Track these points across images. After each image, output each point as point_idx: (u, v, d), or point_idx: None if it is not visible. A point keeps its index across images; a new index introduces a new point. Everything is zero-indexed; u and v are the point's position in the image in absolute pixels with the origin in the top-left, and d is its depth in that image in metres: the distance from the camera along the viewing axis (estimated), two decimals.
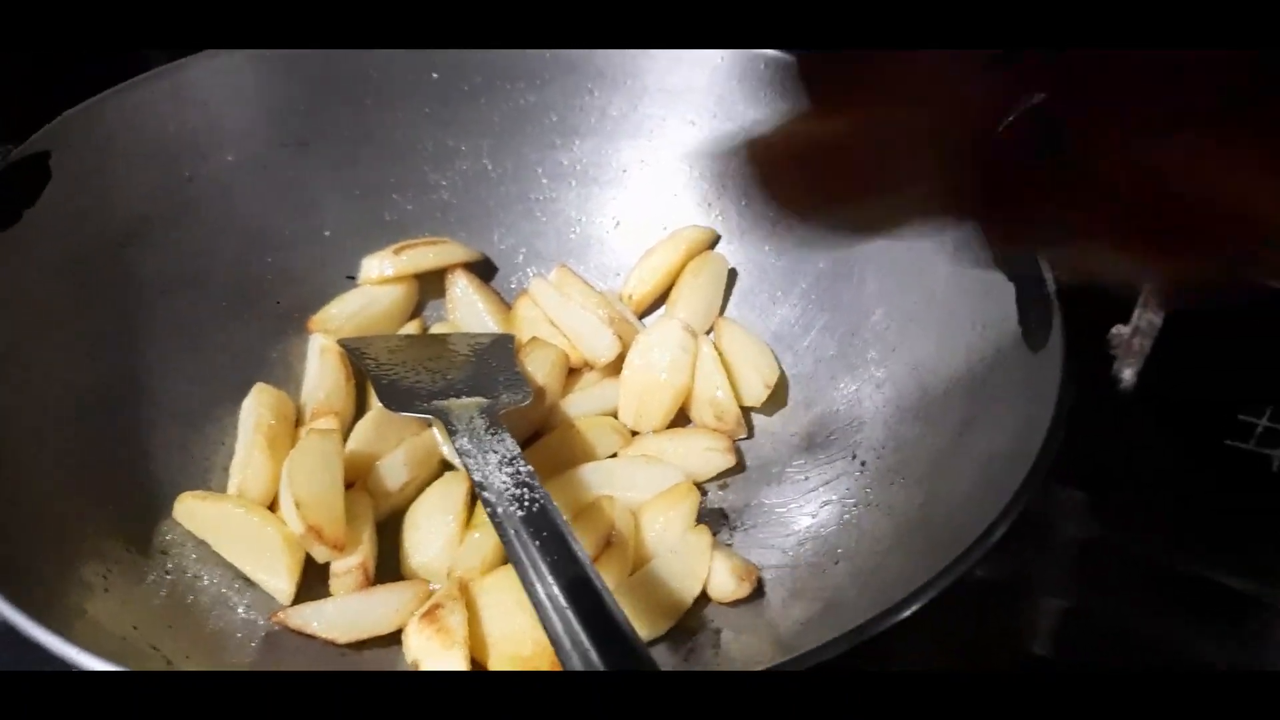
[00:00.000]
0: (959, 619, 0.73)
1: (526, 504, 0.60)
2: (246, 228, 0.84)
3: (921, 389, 0.74)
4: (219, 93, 0.83)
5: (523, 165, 0.92)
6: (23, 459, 0.65)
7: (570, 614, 0.52)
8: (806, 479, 0.77)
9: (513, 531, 0.59)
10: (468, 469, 0.65)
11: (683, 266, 0.88)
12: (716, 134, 0.88)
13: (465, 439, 0.68)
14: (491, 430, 0.68)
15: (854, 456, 0.75)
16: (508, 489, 0.62)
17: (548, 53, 0.89)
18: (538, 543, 0.57)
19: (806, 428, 0.80)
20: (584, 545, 0.59)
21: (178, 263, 0.81)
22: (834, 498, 0.74)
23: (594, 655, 0.51)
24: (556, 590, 0.54)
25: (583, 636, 0.51)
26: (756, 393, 0.81)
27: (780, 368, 0.83)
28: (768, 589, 0.70)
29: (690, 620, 0.69)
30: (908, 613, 0.54)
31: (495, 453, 0.66)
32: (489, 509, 0.61)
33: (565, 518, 0.60)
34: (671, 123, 0.90)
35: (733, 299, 0.88)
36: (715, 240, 0.89)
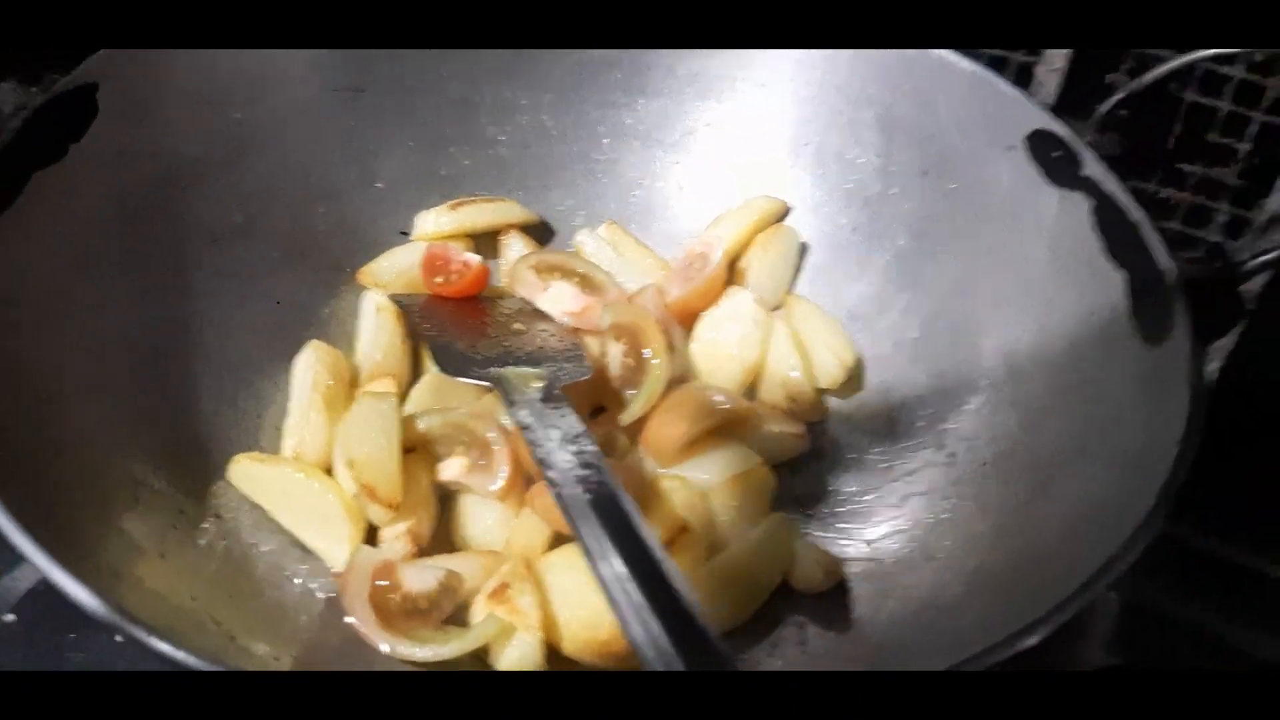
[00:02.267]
0: None
1: (594, 487, 0.57)
2: (297, 175, 0.80)
3: (1016, 379, 0.70)
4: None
5: (584, 123, 0.87)
6: (71, 408, 0.61)
7: (643, 601, 0.50)
8: (889, 468, 0.73)
9: (580, 518, 0.55)
10: (529, 444, 0.61)
11: (752, 238, 0.84)
12: (791, 98, 0.84)
13: (525, 411, 0.64)
14: (553, 404, 0.65)
15: (942, 447, 0.72)
16: (572, 469, 0.58)
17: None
18: (608, 530, 0.54)
19: (886, 413, 0.76)
20: (654, 531, 0.55)
21: (227, 209, 0.76)
22: (921, 490, 0.71)
23: (665, 642, 0.48)
24: (628, 575, 0.51)
25: (655, 623, 0.49)
26: (832, 374, 0.77)
27: (856, 349, 0.79)
28: (854, 583, 0.67)
29: (772, 612, 0.66)
30: (1036, 639, 0.50)
31: (557, 428, 0.62)
32: (554, 490, 0.57)
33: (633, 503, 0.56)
34: (743, 85, 0.86)
35: (804, 275, 0.84)
36: (786, 212, 0.85)
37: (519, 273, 0.80)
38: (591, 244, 0.85)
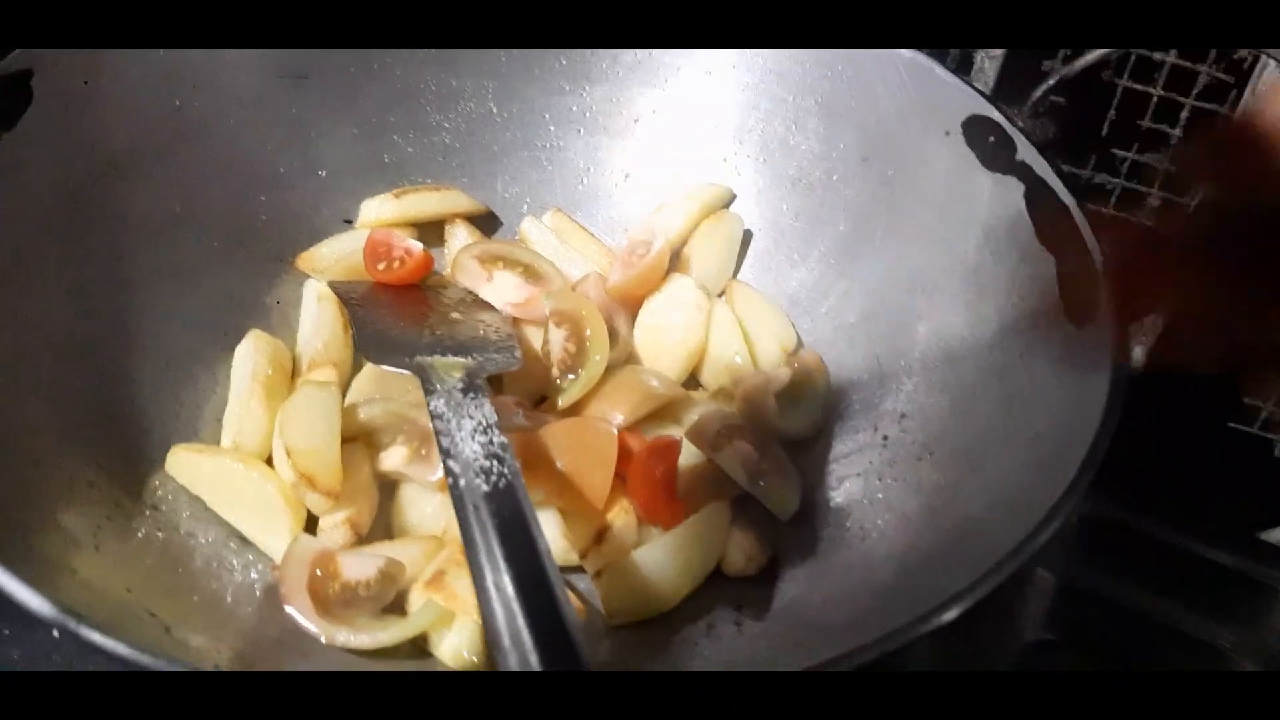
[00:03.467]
0: None
1: (494, 478, 0.56)
2: (239, 163, 0.79)
3: (950, 361, 0.71)
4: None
5: (529, 110, 0.88)
6: (4, 403, 0.61)
7: (517, 608, 0.49)
8: (826, 449, 0.74)
9: (471, 507, 0.54)
10: (437, 433, 0.60)
11: (695, 225, 0.84)
12: (735, 85, 0.85)
13: (440, 401, 0.62)
14: (471, 394, 0.63)
15: (876, 429, 0.73)
16: (476, 459, 0.57)
17: None
18: (497, 521, 0.53)
19: (828, 396, 0.77)
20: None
21: (167, 199, 0.76)
22: (856, 471, 0.72)
23: (533, 657, 0.47)
24: (507, 580, 0.50)
25: (525, 635, 0.48)
26: (773, 358, 0.78)
27: (797, 334, 0.80)
28: (790, 564, 0.68)
29: (709, 594, 0.67)
30: (955, 613, 0.51)
31: (471, 419, 0.61)
32: (450, 479, 0.56)
33: (532, 500, 0.56)
34: (687, 72, 0.86)
35: (748, 261, 0.85)
36: (731, 199, 0.86)
37: (462, 262, 0.81)
38: (536, 232, 0.85)
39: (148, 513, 0.65)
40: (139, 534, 0.63)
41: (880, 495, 0.70)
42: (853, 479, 0.72)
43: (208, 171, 0.78)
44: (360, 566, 0.63)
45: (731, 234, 0.84)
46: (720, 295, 0.83)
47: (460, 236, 0.84)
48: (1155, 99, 0.89)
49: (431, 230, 0.85)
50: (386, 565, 0.63)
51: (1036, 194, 0.69)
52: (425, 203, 0.84)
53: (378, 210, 0.83)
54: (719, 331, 0.79)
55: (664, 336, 0.79)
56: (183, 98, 0.77)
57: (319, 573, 0.62)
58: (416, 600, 0.63)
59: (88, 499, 0.62)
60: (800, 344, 0.80)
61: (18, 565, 0.50)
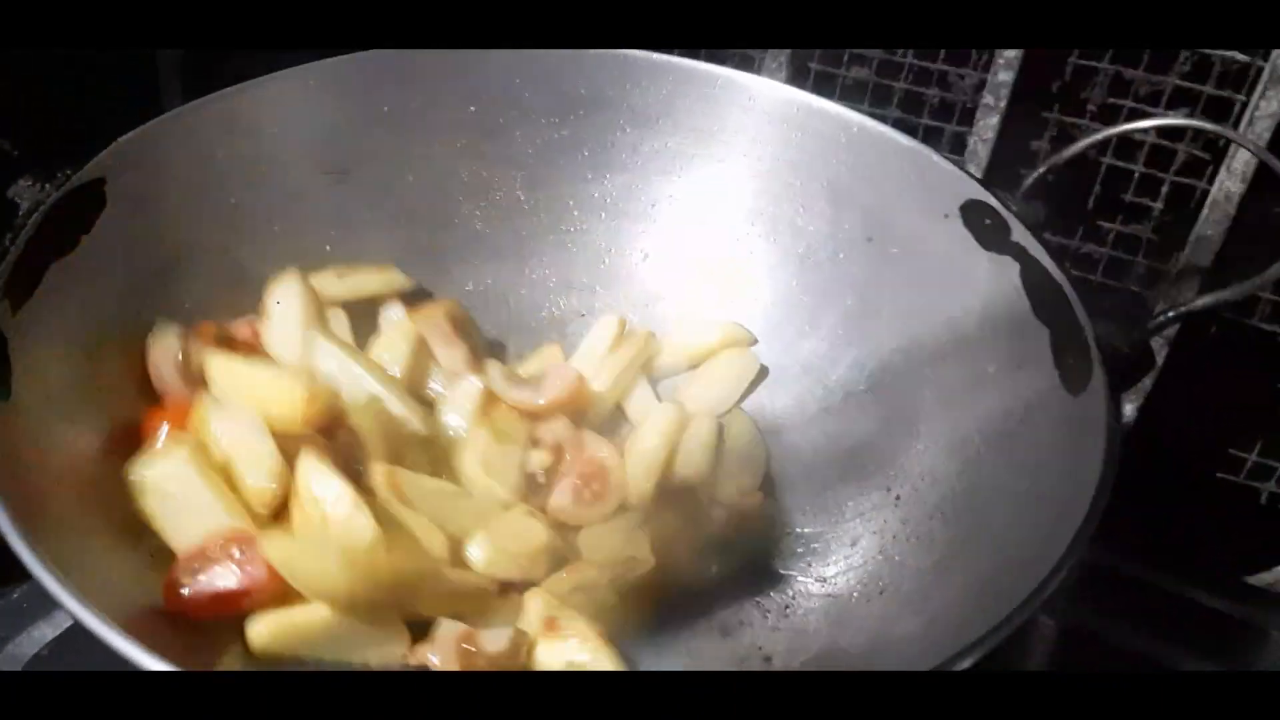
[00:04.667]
0: None
1: None
2: (289, 256, 0.85)
3: (954, 427, 0.77)
4: (268, 121, 0.84)
5: (555, 198, 0.94)
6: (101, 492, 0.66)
7: None
8: (842, 509, 0.80)
9: None
10: None
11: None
12: (746, 172, 0.91)
13: None
14: None
15: (889, 490, 0.79)
16: None
17: (582, 89, 0.92)
18: None
19: (840, 461, 0.83)
20: None
21: (222, 289, 0.81)
22: (873, 530, 0.77)
23: None
24: None
25: None
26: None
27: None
28: (814, 618, 0.73)
29: (739, 644, 0.72)
30: (970, 662, 0.55)
31: None
32: None
33: None
34: (701, 161, 0.93)
35: (761, 332, 0.91)
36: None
37: (431, 317, 0.84)
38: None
39: None
40: None
41: (896, 552, 0.75)
42: (869, 536, 0.77)
43: (258, 263, 0.83)
44: (496, 641, 0.66)
45: (743, 374, 0.89)
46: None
47: (396, 313, 0.86)
48: (1137, 175, 0.96)
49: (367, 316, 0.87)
50: (515, 635, 0.66)
51: (1031, 272, 0.75)
52: (367, 283, 0.86)
53: (323, 286, 0.84)
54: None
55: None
56: (238, 195, 0.83)
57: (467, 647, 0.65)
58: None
59: None
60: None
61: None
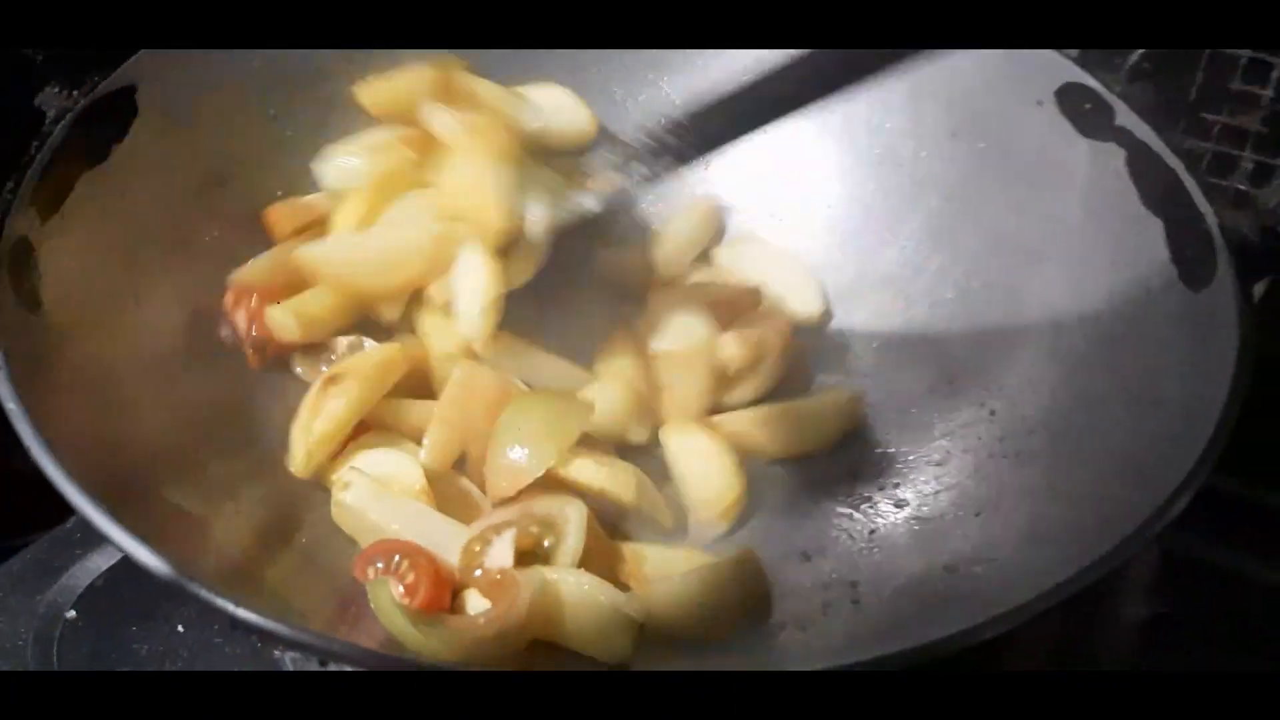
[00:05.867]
0: None
1: None
2: None
3: (1057, 333, 0.71)
4: None
5: (610, 102, 0.88)
6: (133, 405, 0.63)
7: None
8: (931, 426, 0.74)
9: None
10: None
11: None
12: None
13: None
14: None
15: (984, 404, 0.73)
16: None
17: None
18: None
19: (927, 375, 0.77)
20: None
21: (267, 204, 0.77)
22: (965, 447, 0.72)
23: None
24: None
25: None
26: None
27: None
28: (904, 544, 0.68)
29: (822, 572, 0.67)
30: (1083, 585, 0.51)
31: None
32: None
33: None
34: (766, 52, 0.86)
35: (836, 241, 0.85)
36: None
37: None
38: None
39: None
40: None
41: (992, 470, 0.69)
42: (960, 456, 0.72)
43: (304, 178, 0.79)
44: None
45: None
46: None
47: None
48: (1244, 60, 0.88)
49: None
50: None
51: (1139, 160, 0.69)
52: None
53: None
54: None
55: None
56: (277, 106, 0.79)
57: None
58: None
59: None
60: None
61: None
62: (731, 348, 0.74)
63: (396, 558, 0.61)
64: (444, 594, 0.61)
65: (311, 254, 0.71)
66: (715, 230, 0.86)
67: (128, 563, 0.71)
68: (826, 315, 0.82)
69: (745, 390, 0.76)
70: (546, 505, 0.64)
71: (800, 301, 0.82)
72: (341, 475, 0.66)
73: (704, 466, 0.70)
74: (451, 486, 0.68)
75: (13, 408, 0.53)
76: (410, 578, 0.60)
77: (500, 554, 0.61)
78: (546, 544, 0.63)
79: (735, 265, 0.84)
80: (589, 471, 0.65)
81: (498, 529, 0.63)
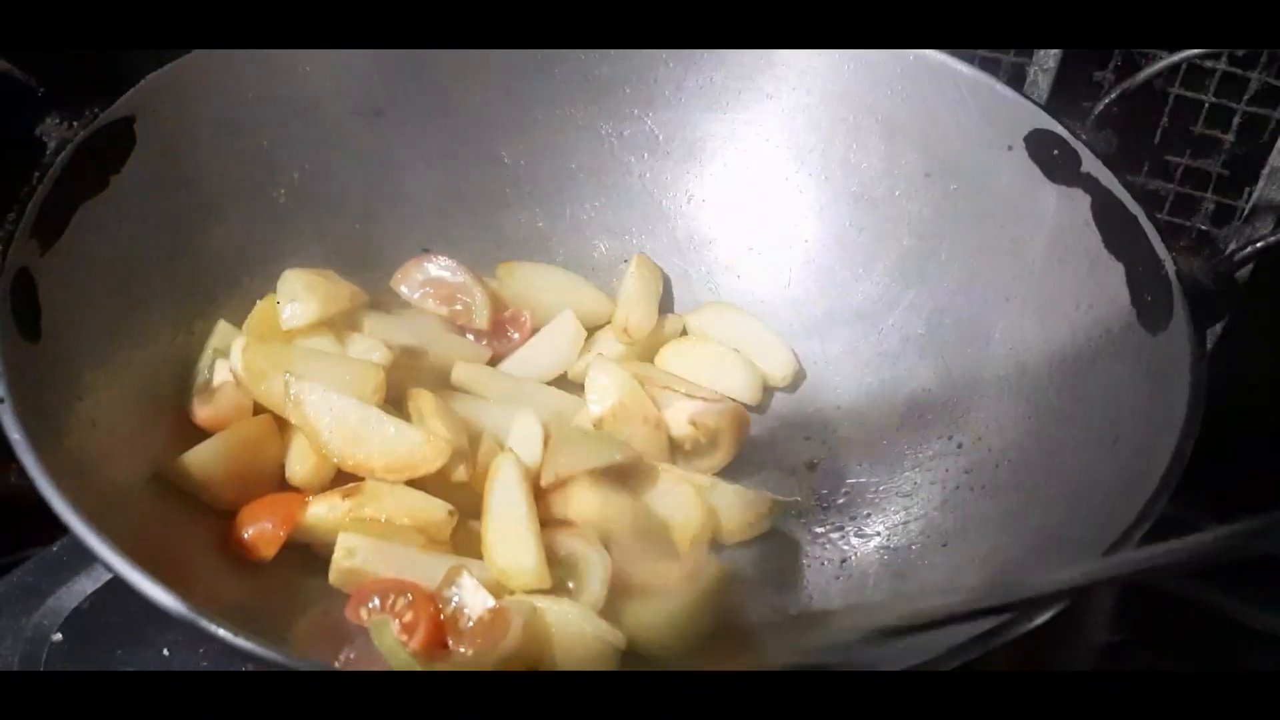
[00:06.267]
0: None
1: None
2: (325, 197, 0.82)
3: (1022, 370, 0.73)
4: (302, 60, 0.80)
5: (596, 138, 0.90)
6: (125, 435, 0.64)
7: None
8: (901, 459, 0.77)
9: None
10: None
11: None
12: (795, 106, 0.87)
13: None
14: None
15: (951, 438, 0.75)
16: None
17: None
18: None
19: (897, 409, 0.80)
20: None
21: (259, 234, 0.79)
22: (933, 480, 0.74)
23: None
24: None
25: None
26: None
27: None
28: (873, 572, 0.70)
29: (796, 601, 0.70)
30: (1045, 617, 0.53)
31: None
32: None
33: None
34: (748, 95, 0.88)
35: (811, 275, 0.87)
36: None
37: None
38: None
39: None
40: None
41: (958, 503, 0.72)
42: (928, 487, 0.74)
43: (296, 207, 0.81)
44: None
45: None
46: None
47: None
48: (1207, 105, 0.91)
49: None
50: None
51: (1103, 205, 0.71)
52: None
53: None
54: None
55: None
56: (269, 137, 0.80)
57: None
58: None
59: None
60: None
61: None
62: (684, 428, 0.76)
63: (392, 596, 0.62)
64: (441, 629, 0.62)
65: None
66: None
67: (114, 586, 0.74)
68: (799, 376, 0.85)
69: (703, 465, 0.77)
70: (570, 545, 0.66)
71: (774, 366, 0.84)
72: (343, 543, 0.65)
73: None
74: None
75: (17, 438, 0.53)
76: (408, 616, 0.61)
77: (476, 599, 0.62)
78: (570, 585, 0.65)
79: (710, 330, 0.86)
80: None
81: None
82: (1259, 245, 0.66)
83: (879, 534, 0.73)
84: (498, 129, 0.89)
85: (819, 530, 0.74)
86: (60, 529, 0.53)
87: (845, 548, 0.73)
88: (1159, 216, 0.94)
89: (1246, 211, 0.91)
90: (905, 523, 0.73)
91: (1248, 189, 0.91)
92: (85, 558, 0.74)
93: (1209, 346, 0.91)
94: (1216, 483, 0.85)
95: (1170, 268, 0.65)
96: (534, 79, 0.88)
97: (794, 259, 0.88)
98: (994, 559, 0.65)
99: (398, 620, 0.60)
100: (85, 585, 0.75)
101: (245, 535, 0.65)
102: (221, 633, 0.49)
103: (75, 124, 0.69)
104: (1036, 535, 0.64)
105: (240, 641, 0.49)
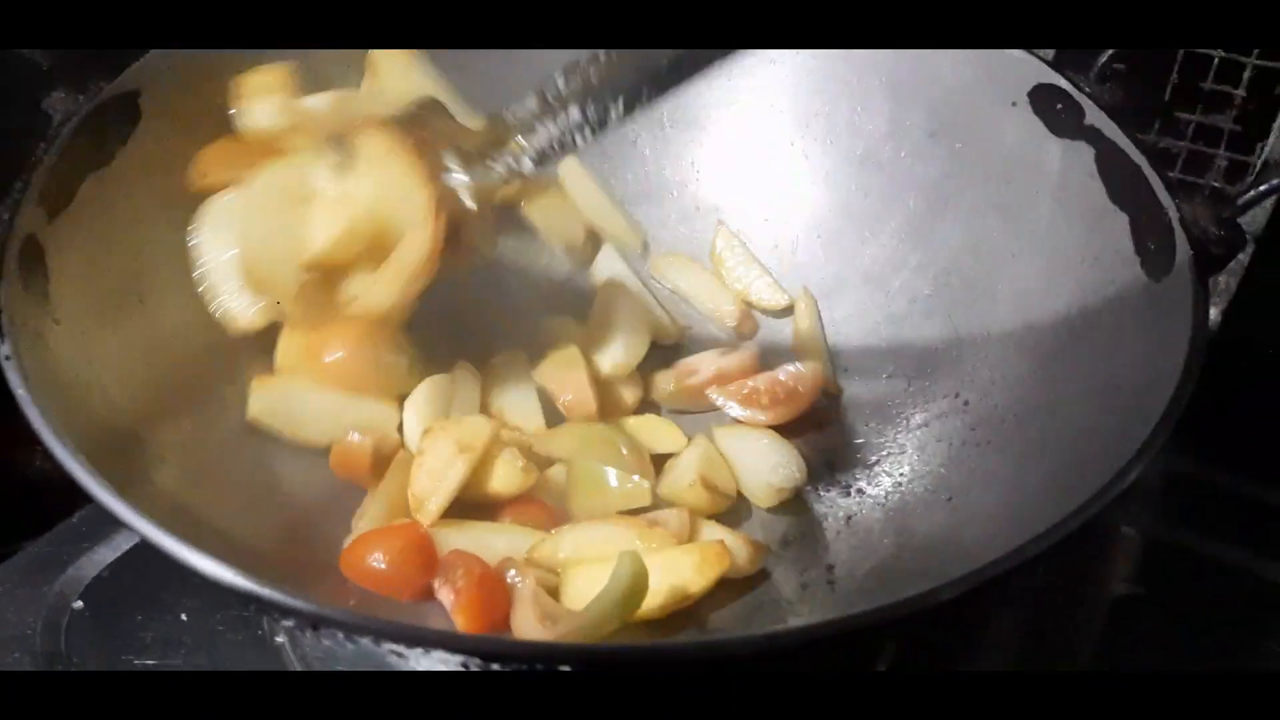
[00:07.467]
0: None
1: None
2: None
3: (1028, 326, 0.73)
4: None
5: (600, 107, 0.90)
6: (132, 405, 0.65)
7: None
8: (907, 417, 0.77)
9: None
10: None
11: None
12: (799, 70, 0.87)
13: None
14: None
15: (956, 395, 0.75)
16: None
17: None
18: None
19: (904, 368, 0.79)
20: None
21: None
22: (938, 436, 0.74)
23: None
24: None
25: None
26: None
27: None
28: (879, 529, 0.70)
29: (803, 556, 0.70)
30: (1039, 549, 0.52)
31: None
32: None
33: None
34: (751, 61, 0.88)
35: (819, 240, 0.87)
36: None
37: None
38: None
39: None
40: None
41: (965, 458, 0.71)
42: (934, 444, 0.74)
43: None
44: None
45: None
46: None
47: None
48: (1216, 60, 0.90)
49: None
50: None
51: (1107, 157, 0.71)
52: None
53: None
54: None
55: None
56: None
57: None
58: None
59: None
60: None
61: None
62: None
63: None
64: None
65: None
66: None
67: (132, 555, 0.75)
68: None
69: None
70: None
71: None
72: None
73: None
74: None
75: (22, 393, 0.54)
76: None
77: None
78: None
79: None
80: None
81: None
82: (1262, 189, 0.65)
83: (885, 490, 0.73)
84: (497, 98, 0.88)
85: (826, 488, 0.74)
86: (77, 498, 0.53)
87: (853, 505, 0.73)
88: (1171, 175, 0.93)
89: (1259, 167, 0.90)
90: (911, 479, 0.73)
91: (1260, 144, 0.90)
92: (104, 528, 0.77)
93: (1226, 305, 0.92)
94: (1231, 439, 0.85)
95: (1173, 214, 0.65)
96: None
97: (801, 224, 0.88)
98: (997, 512, 0.65)
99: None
100: (105, 555, 0.76)
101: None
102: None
103: (81, 98, 0.70)
104: (1039, 488, 0.64)
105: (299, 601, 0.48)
